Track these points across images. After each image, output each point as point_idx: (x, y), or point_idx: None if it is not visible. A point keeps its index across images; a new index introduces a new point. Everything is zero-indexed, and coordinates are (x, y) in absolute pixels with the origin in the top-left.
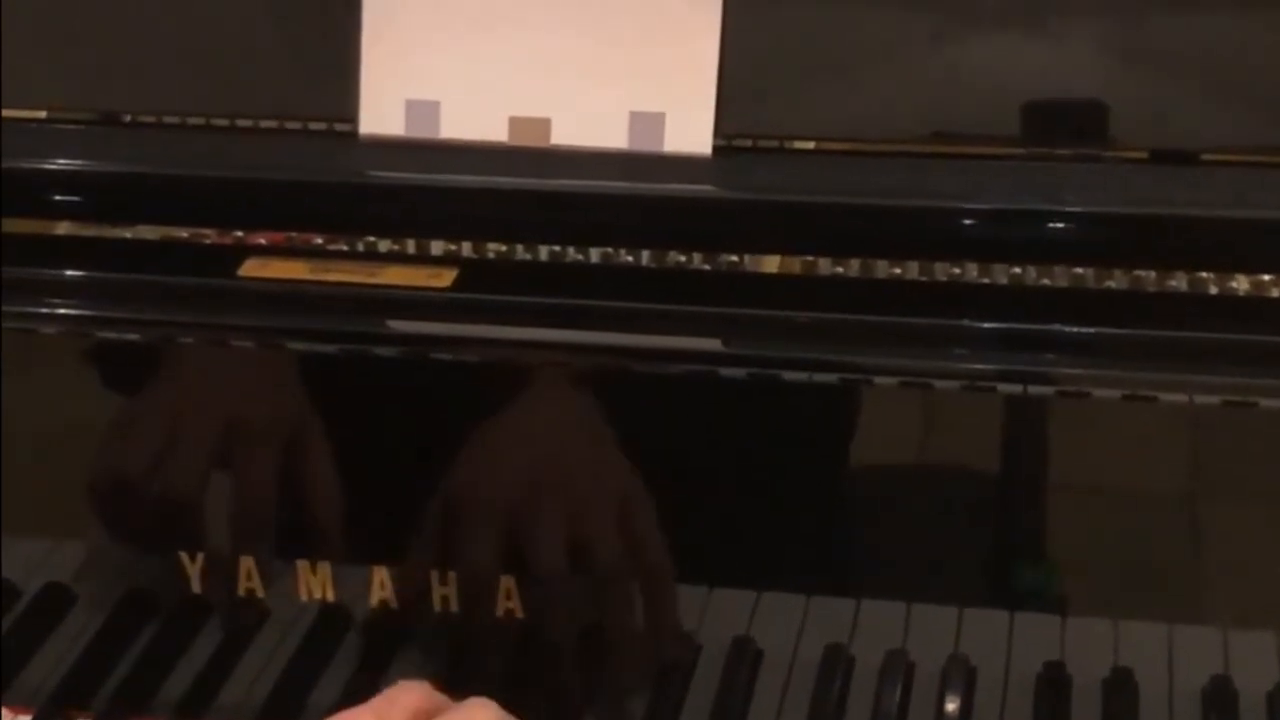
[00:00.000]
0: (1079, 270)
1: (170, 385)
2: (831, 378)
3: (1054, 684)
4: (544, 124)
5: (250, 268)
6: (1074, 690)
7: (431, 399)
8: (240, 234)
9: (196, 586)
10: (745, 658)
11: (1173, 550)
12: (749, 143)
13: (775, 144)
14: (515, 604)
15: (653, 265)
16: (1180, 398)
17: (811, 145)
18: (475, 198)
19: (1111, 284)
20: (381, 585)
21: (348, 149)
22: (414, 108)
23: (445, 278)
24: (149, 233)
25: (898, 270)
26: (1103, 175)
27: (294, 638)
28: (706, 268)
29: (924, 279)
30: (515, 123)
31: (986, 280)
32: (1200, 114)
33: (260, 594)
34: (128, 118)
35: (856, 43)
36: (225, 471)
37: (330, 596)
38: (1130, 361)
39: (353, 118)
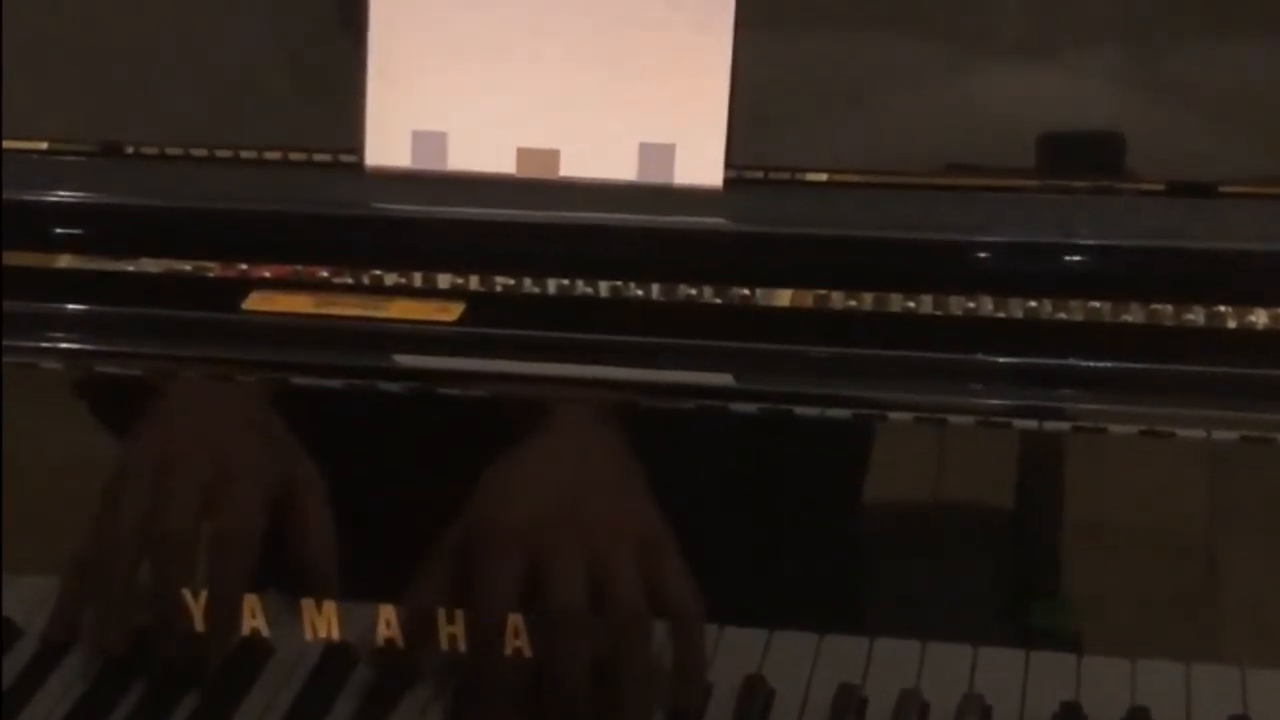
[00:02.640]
0: (1095, 304)
1: (172, 421)
2: (844, 413)
3: None
4: (552, 156)
5: (254, 301)
6: None
7: (439, 435)
8: (244, 267)
9: (199, 625)
10: (757, 697)
11: (1191, 588)
12: (760, 174)
13: (787, 176)
14: (523, 643)
15: (663, 299)
16: (1198, 433)
17: (824, 177)
18: (483, 230)
19: (1128, 318)
20: (387, 624)
21: (353, 180)
22: (421, 139)
23: (452, 311)
24: (151, 266)
25: (911, 304)
26: (1119, 208)
27: (299, 677)
28: (717, 301)
29: (938, 313)
30: (523, 154)
31: (1001, 314)
32: (1218, 146)
33: (264, 633)
34: (130, 149)
35: (869, 73)
36: (229, 508)
37: (335, 635)
38: (1147, 396)
39: (358, 149)
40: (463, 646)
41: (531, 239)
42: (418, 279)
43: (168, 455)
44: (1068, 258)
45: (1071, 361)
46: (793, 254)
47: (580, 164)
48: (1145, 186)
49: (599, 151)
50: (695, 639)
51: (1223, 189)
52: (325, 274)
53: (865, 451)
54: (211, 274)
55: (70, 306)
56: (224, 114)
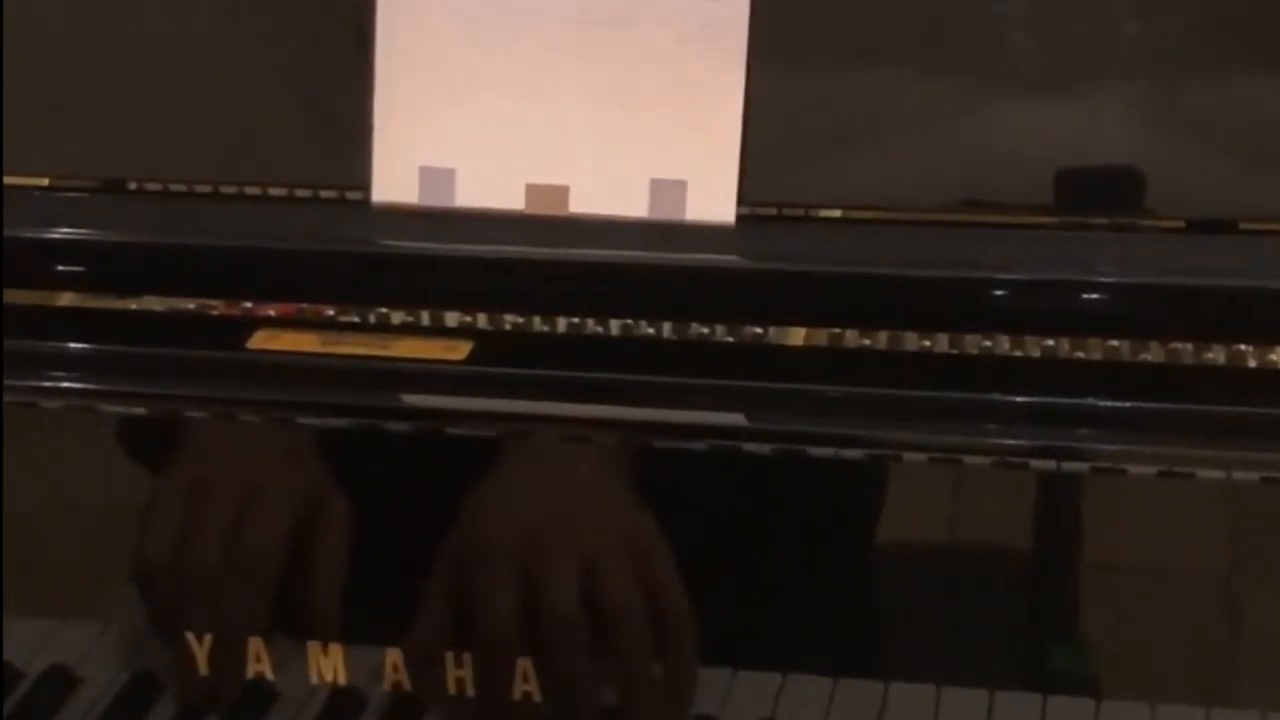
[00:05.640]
0: (1114, 343)
1: (176, 462)
2: (858, 453)
3: None
4: (562, 192)
5: (259, 340)
6: None
7: (446, 475)
8: (249, 305)
9: (203, 668)
10: None
11: (1210, 631)
12: (773, 211)
13: (800, 212)
14: (533, 686)
15: (674, 338)
16: (1218, 474)
17: (838, 214)
18: (491, 268)
19: (1147, 357)
20: (394, 668)
21: (360, 218)
22: (428, 175)
23: (460, 350)
24: (155, 304)
25: (927, 343)
26: (1138, 245)
27: None
28: (730, 340)
29: (954, 352)
30: (532, 190)
31: (1018, 353)
32: (1238, 182)
33: (269, 676)
34: (133, 185)
35: (884, 108)
36: (233, 549)
37: (342, 679)
38: (1166, 437)
39: (365, 185)
40: (471, 690)
41: (541, 277)
42: (425, 317)
43: (170, 496)
44: (1086, 295)
45: (1090, 401)
46: (806, 292)
47: (590, 200)
48: (1164, 223)
49: (609, 188)
50: (690, 679)
51: (1243, 225)
52: (331, 312)
53: (879, 493)
54: (216, 312)
55: (72, 345)
56: (228, 149)
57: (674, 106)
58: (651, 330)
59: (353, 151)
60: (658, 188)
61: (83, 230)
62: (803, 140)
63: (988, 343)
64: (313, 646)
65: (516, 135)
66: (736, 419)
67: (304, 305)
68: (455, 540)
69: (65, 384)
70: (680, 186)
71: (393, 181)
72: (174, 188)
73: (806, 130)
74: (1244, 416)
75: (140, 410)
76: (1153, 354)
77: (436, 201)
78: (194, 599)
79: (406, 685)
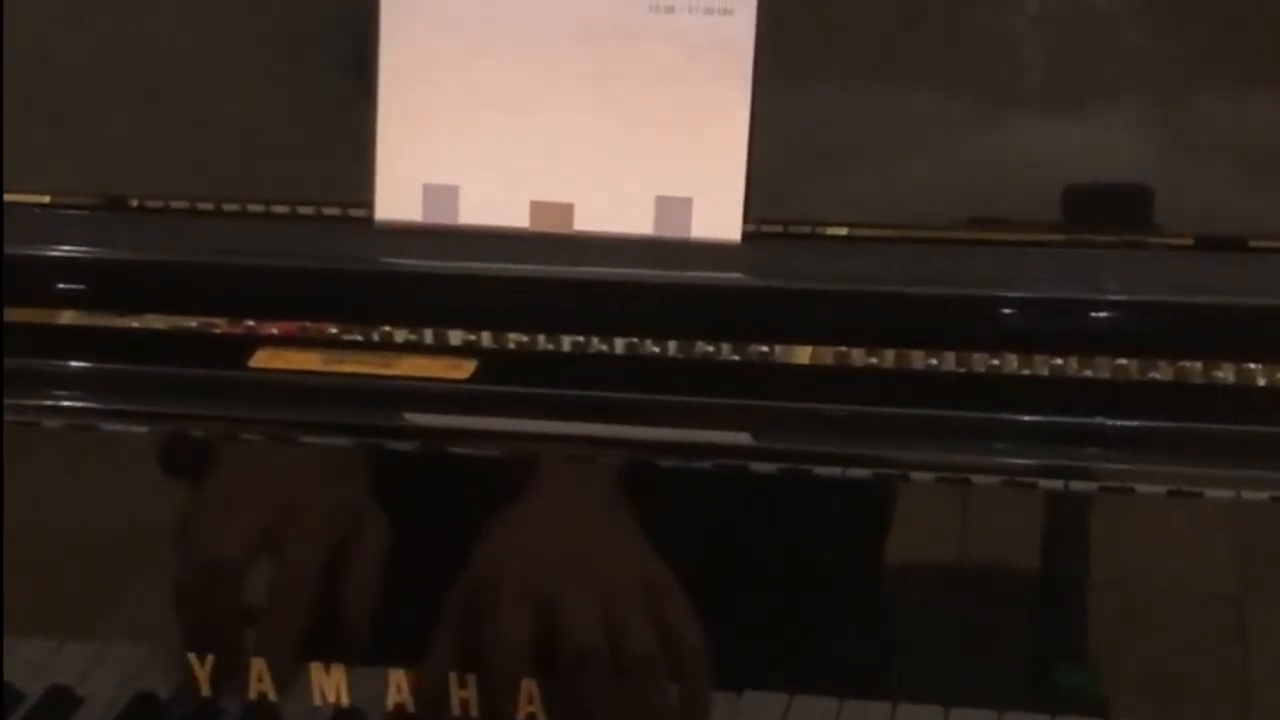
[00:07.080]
0: (1122, 361)
1: (178, 481)
2: (865, 473)
3: None
4: (566, 209)
5: (262, 359)
6: None
7: (450, 494)
8: (251, 324)
9: (206, 689)
10: None
11: (1220, 652)
12: (779, 228)
13: (807, 230)
14: (537, 708)
15: (680, 356)
16: (1227, 493)
17: (844, 231)
18: (495, 286)
19: (1156, 375)
20: (398, 688)
21: (363, 235)
22: (432, 192)
23: (464, 369)
24: (156, 322)
25: (934, 361)
26: (1146, 263)
27: None
28: (735, 358)
29: (961, 370)
30: (537, 208)
31: (1026, 372)
32: (1247, 199)
33: (272, 697)
34: (135, 203)
35: (891, 125)
36: (234, 569)
37: (345, 700)
38: (1175, 456)
39: (368, 203)
40: (475, 711)
41: (545, 295)
42: (429, 336)
43: (170, 515)
44: (1094, 313)
45: (1098, 420)
46: (812, 310)
47: (595, 218)
48: (1173, 240)
49: (614, 205)
50: (703, 700)
51: (1253, 243)
52: (334, 330)
53: (886, 512)
54: (218, 330)
55: (73, 364)
56: (230, 167)
57: (679, 123)
58: (657, 349)
59: (356, 168)
60: (663, 205)
61: (84, 248)
62: (809, 157)
63: (995, 361)
64: (315, 666)
65: (521, 152)
66: (742, 438)
67: (307, 323)
68: (459, 561)
69: (66, 403)
70: (686, 204)
71: (396, 199)
72: (176, 205)
73: (812, 147)
74: (1253, 435)
75: (142, 429)
76: (1161, 372)
77: (440, 219)
78: (195, 621)
79: (409, 706)
